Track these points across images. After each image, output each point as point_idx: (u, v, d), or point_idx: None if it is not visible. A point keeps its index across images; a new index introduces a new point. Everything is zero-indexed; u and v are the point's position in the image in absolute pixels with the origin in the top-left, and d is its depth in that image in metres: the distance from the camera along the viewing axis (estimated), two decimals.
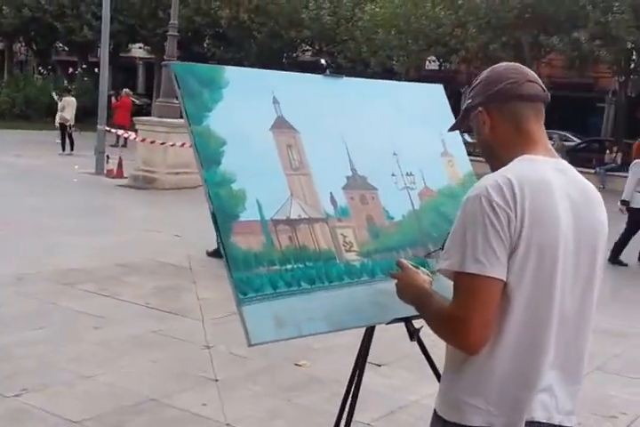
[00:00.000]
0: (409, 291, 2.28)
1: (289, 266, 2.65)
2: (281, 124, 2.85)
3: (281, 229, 2.69)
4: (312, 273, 2.69)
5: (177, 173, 15.57)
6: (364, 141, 3.09)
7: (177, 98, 2.62)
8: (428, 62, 34.68)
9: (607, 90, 34.66)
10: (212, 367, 5.48)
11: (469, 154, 3.45)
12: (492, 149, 2.16)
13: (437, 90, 3.63)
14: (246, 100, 2.79)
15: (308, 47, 37.59)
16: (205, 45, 37.91)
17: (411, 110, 3.37)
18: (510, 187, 1.96)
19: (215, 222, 2.55)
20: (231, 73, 2.80)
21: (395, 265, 2.49)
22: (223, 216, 2.58)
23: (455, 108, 3.09)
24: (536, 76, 2.21)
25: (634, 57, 29.38)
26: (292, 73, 3.18)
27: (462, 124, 2.35)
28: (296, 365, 5.59)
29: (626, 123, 30.61)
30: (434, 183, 3.29)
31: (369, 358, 5.29)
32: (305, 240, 2.74)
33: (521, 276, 1.95)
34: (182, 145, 15.09)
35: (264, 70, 3.01)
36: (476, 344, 1.95)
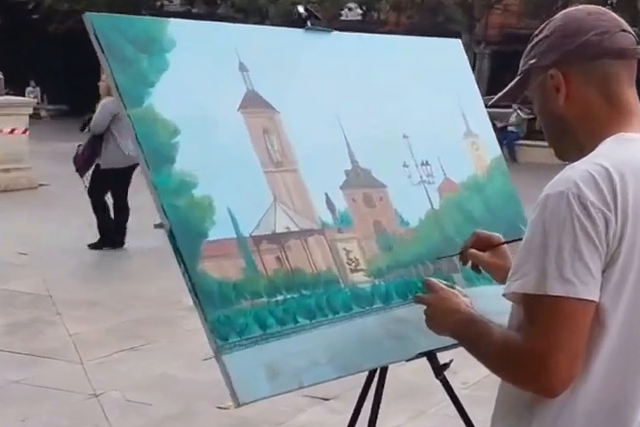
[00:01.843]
0: (448, 320, 2.24)
1: (280, 297, 2.56)
2: (253, 102, 2.73)
3: (265, 248, 2.60)
4: (310, 304, 2.62)
5: (7, 171, 15.03)
6: (366, 121, 3.00)
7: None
8: (347, 10, 34.44)
9: None
10: (106, 421, 5.35)
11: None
12: (568, 127, 2.05)
13: (454, 46, 3.55)
14: (202, 69, 2.65)
15: None
16: None
17: (423, 76, 3.28)
18: (608, 179, 1.86)
19: (174, 245, 2.42)
20: (177, 29, 2.63)
21: (416, 285, 2.49)
22: (185, 236, 2.45)
23: None
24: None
25: None
26: (262, 27, 3.10)
27: (517, 93, 2.20)
28: (219, 408, 5.49)
29: None
30: (456, 174, 3.23)
31: (311, 392, 5.34)
32: (298, 261, 2.66)
33: (618, 293, 1.88)
34: (12, 131, 14.70)
35: (223, 23, 2.89)
36: (561, 385, 1.87)
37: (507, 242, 2.65)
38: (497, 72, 25.78)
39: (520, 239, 1.98)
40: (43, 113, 32.15)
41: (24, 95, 27.66)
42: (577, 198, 1.84)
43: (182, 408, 5.63)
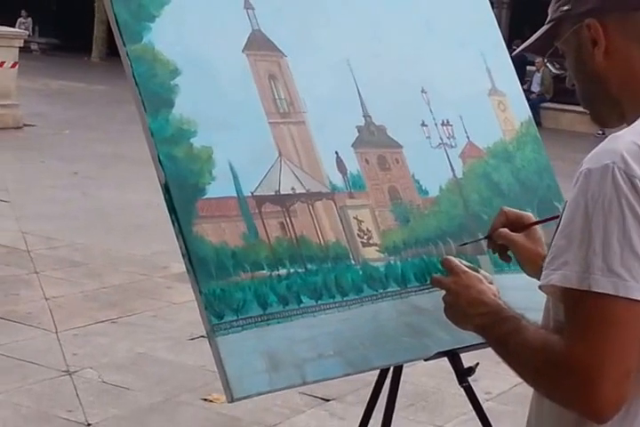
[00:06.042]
0: (471, 311, 2.08)
1: (283, 270, 2.41)
2: (259, 43, 2.61)
3: (268, 210, 2.46)
4: (317, 281, 2.46)
5: None
6: (381, 71, 2.87)
7: None
8: None
9: None
10: (79, 404, 5.15)
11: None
12: (607, 86, 1.92)
13: None
14: (205, 4, 2.58)
15: None
16: None
17: (443, 26, 3.13)
18: None
19: (170, 200, 2.30)
20: None
21: (436, 266, 2.42)
22: (181, 191, 2.33)
23: None
24: None
25: None
26: None
27: (545, 44, 2.05)
28: (205, 400, 5.32)
29: None
30: (480, 138, 3.07)
31: (310, 390, 5.19)
32: (304, 228, 2.50)
33: None
34: (1, 65, 14.72)
35: None
36: (611, 406, 1.68)
37: (541, 222, 2.50)
38: (518, 24, 24.66)
39: (556, 218, 1.86)
40: (33, 46, 31.06)
41: (14, 26, 27.41)
42: (624, 174, 1.69)
43: (162, 397, 5.35)
